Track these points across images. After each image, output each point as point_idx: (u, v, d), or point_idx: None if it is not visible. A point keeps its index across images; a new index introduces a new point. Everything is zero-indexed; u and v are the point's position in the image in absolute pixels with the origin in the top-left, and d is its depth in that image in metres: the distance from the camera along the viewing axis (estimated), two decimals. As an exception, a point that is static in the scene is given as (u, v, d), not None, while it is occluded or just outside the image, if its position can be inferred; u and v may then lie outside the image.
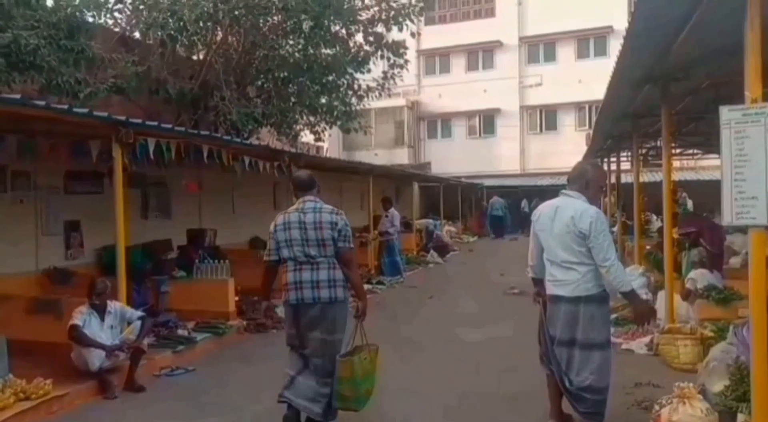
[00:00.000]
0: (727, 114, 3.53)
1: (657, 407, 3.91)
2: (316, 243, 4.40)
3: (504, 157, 28.62)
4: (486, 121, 29.84)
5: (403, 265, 13.57)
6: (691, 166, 22.37)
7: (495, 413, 4.90)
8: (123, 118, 5.98)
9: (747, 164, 3.47)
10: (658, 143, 13.65)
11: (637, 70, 6.00)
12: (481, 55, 29.89)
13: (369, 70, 13.17)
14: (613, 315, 7.62)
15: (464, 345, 7.22)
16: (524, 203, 25.60)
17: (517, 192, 26.01)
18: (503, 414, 4.89)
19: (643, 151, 14.10)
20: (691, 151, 16.02)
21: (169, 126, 6.68)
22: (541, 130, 29.07)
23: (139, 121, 6.21)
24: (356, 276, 4.65)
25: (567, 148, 24.47)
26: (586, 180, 4.33)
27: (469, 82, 29.12)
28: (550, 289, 4.33)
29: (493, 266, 14.91)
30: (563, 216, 4.21)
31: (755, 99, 3.45)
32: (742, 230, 10.57)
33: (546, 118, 29.00)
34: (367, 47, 12.75)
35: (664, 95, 6.51)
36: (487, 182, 27.41)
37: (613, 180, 15.29)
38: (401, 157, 28.66)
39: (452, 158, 28.66)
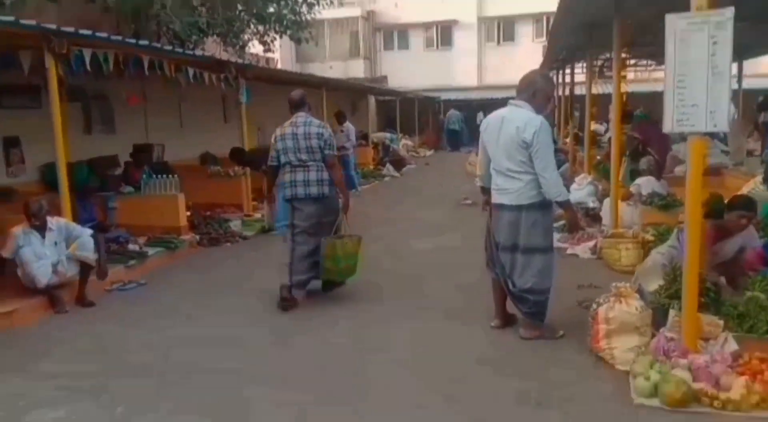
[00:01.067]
0: (673, 22, 3.53)
1: (595, 305, 4.11)
2: (306, 150, 5.36)
3: (461, 70, 28.26)
4: (443, 33, 29.19)
5: (358, 179, 13.59)
6: (645, 78, 22.57)
7: (448, 315, 5.10)
8: (54, 26, 5.61)
9: (689, 72, 3.51)
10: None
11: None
12: (439, -38, 28.82)
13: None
14: (561, 222, 7.90)
15: (417, 253, 7.40)
16: (480, 116, 25.60)
17: (473, 105, 25.93)
18: (456, 313, 5.10)
19: (599, 62, 14.07)
20: (645, 62, 16.09)
21: (105, 35, 6.30)
22: (498, 41, 28.65)
23: (72, 29, 5.84)
24: (339, 176, 5.58)
25: (524, 61, 24.12)
26: (534, 90, 4.36)
27: (425, -9, 28.22)
28: (495, 198, 4.46)
29: (448, 179, 15.08)
30: (509, 126, 4.27)
31: (700, 6, 3.44)
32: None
33: (504, 29, 28.52)
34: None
35: (617, 4, 6.44)
36: (444, 96, 27.18)
37: (567, 92, 15.35)
38: (357, 69, 28.01)
39: (409, 71, 28.15)
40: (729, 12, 3.40)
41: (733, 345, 3.68)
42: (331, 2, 13.11)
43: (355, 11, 28.24)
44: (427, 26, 29.05)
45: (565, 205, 4.44)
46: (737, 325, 3.84)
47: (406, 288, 5.98)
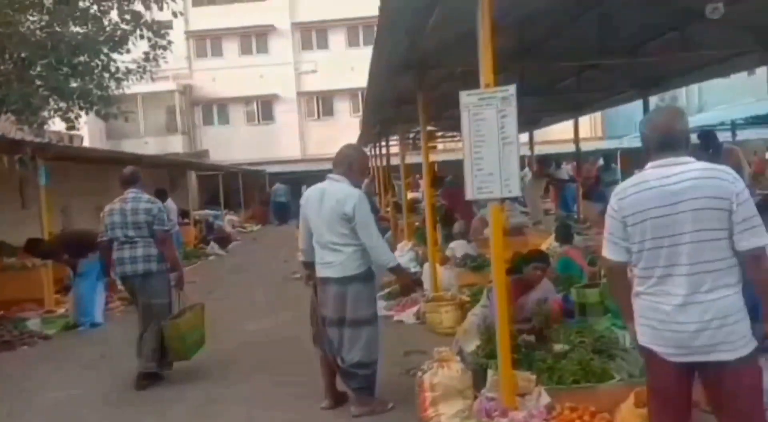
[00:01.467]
0: (465, 98, 3.83)
1: (420, 373, 4.15)
2: (133, 226, 5.40)
3: (285, 143, 28.62)
4: (264, 107, 29.53)
5: (180, 260, 12.82)
6: (453, 148, 24.54)
7: (278, 398, 4.84)
8: None
9: (484, 143, 3.80)
10: (427, 127, 14.69)
11: (393, 57, 6.28)
12: (254, 39, 29.44)
13: (128, 51, 12.12)
14: (386, 290, 8.04)
15: (245, 334, 7.05)
16: (304, 188, 25.80)
17: (299, 178, 26.20)
18: (284, 397, 4.85)
19: (412, 134, 15.02)
20: (452, 134, 17.48)
21: None
22: (319, 116, 29.59)
23: None
24: (170, 252, 5.64)
25: (344, 134, 25.12)
26: (349, 163, 4.47)
27: (245, 67, 28.53)
28: (320, 272, 4.42)
29: (277, 253, 14.84)
30: (329, 199, 4.31)
31: (488, 84, 3.78)
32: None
33: (323, 104, 29.58)
34: (124, 26, 11.70)
35: (420, 82, 6.93)
36: (270, 169, 27.20)
37: (385, 163, 16.10)
38: (176, 144, 27.14)
39: (232, 145, 27.90)
40: (512, 88, 3.77)
41: (546, 399, 3.86)
42: (142, 77, 12.60)
43: (170, 85, 27.58)
44: (247, 101, 29.23)
45: (397, 269, 4.61)
46: (548, 378, 4.06)
47: (233, 371, 5.67)
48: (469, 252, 7.79)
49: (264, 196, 27.18)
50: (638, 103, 10.61)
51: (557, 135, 20.69)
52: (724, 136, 12.69)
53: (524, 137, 17.00)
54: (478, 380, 4.17)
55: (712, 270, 2.44)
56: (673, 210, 2.46)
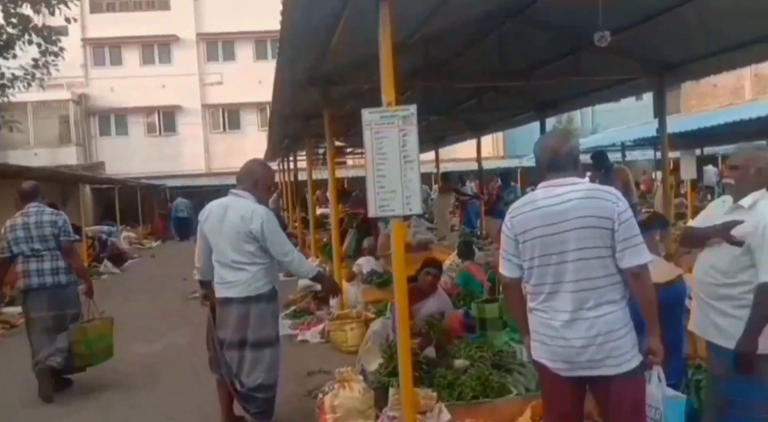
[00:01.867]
0: (367, 116, 3.81)
1: (321, 395, 4.06)
2: (39, 239, 5.35)
3: (188, 156, 27.70)
4: (166, 119, 28.50)
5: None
6: (362, 163, 24.67)
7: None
8: None
9: (386, 161, 3.79)
10: (336, 142, 14.65)
11: (297, 72, 6.22)
12: (156, 48, 28.43)
13: (15, 56, 11.32)
14: (291, 308, 7.89)
15: (138, 357, 6.65)
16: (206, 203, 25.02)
17: (202, 192, 25.38)
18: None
19: (321, 150, 14.92)
20: (360, 150, 17.56)
21: None
22: (224, 128, 28.90)
23: None
24: (77, 262, 5.73)
25: (251, 148, 24.71)
26: (255, 179, 4.32)
27: (146, 77, 27.43)
28: (220, 292, 4.22)
29: (176, 271, 14.20)
30: (233, 215, 4.13)
31: (390, 102, 3.79)
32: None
33: (229, 117, 28.93)
34: (10, 30, 10.93)
35: (325, 97, 6.90)
36: (171, 182, 26.17)
37: (293, 178, 15.91)
38: (69, 156, 25.55)
39: (131, 157, 26.65)
40: (413, 108, 3.80)
41: (446, 416, 3.89)
42: (29, 84, 11.80)
43: (64, 94, 26.04)
44: (148, 111, 28.10)
45: (318, 276, 4.57)
46: (448, 394, 4.09)
47: (118, 397, 5.35)
48: (375, 269, 7.79)
49: (164, 210, 26.04)
50: (536, 124, 11.12)
51: (462, 153, 21.32)
52: (614, 157, 13.52)
53: (431, 155, 17.39)
54: (380, 399, 4.13)
55: (596, 287, 2.53)
56: (558, 229, 2.54)
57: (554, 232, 2.56)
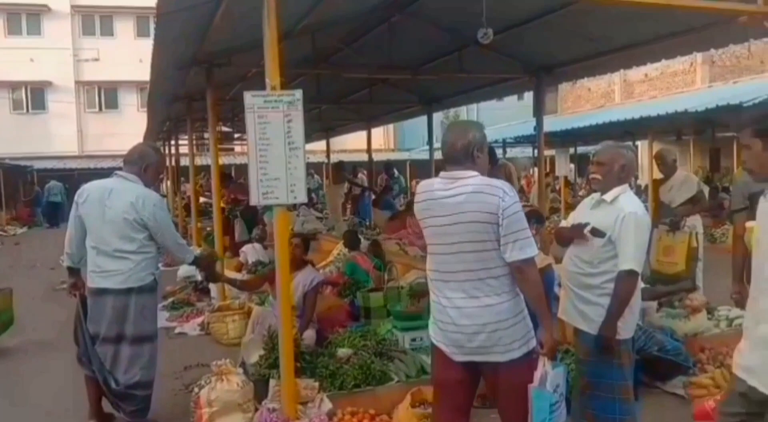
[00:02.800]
0: (250, 99, 3.67)
1: (197, 389, 3.90)
2: None
3: (59, 136, 25.73)
4: (35, 95, 26.31)
5: None
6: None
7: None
8: None
9: (269, 147, 3.68)
10: (223, 128, 14.13)
11: (179, 50, 5.91)
12: (25, 17, 26.06)
13: None
14: (169, 299, 7.54)
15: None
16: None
17: (74, 176, 23.65)
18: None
19: (208, 134, 14.31)
20: (247, 137, 17.07)
21: None
22: (100, 108, 27.10)
23: None
24: None
25: (130, 129, 23.29)
26: (147, 164, 4.03)
27: (12, 49, 25.07)
28: (95, 281, 3.90)
29: (44, 259, 13.16)
30: (119, 200, 3.83)
31: (274, 86, 3.68)
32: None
33: (106, 96, 27.15)
34: None
35: (209, 79, 6.61)
36: (39, 164, 24.17)
37: (174, 163, 15.21)
38: None
39: (-7, 136, 24.35)
40: (298, 93, 3.71)
41: (327, 405, 3.86)
42: None
43: None
44: (14, 86, 25.77)
45: (196, 260, 4.37)
46: (330, 384, 4.07)
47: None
48: (261, 259, 7.61)
49: (31, 194, 23.98)
50: (425, 118, 11.36)
51: (353, 144, 21.39)
52: (498, 153, 14.10)
53: (322, 145, 17.29)
54: (261, 391, 4.04)
55: (485, 278, 2.60)
56: (451, 220, 2.60)
57: (447, 223, 2.62)
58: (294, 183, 3.70)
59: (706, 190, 6.87)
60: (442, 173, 2.75)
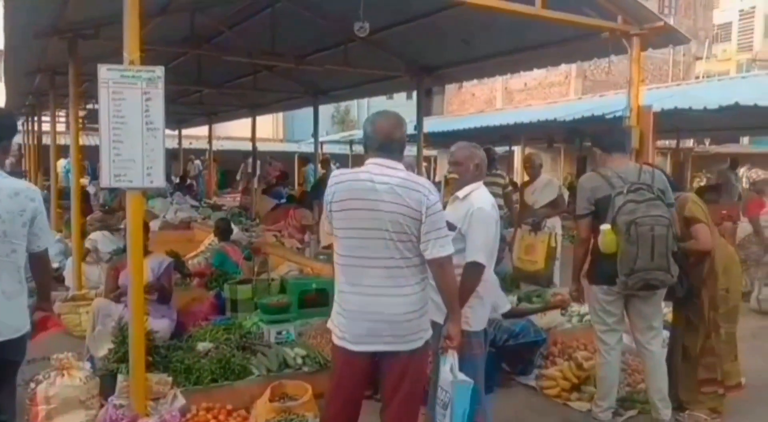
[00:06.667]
0: (105, 73, 3.41)
1: (33, 384, 3.58)
2: None
3: None
4: None
5: None
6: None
7: None
8: None
9: (124, 126, 3.44)
10: (95, 106, 13.14)
11: (36, 17, 5.42)
12: None
13: None
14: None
15: None
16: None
17: None
18: None
19: (84, 112, 13.32)
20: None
21: None
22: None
23: None
24: None
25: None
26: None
27: None
28: None
29: None
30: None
31: (133, 61, 3.44)
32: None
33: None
34: None
35: (72, 51, 6.10)
36: None
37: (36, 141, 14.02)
38: None
39: None
40: (159, 70, 3.48)
41: (180, 401, 3.69)
42: None
43: None
44: None
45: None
46: (185, 379, 3.88)
47: None
48: (119, 245, 7.13)
49: None
50: (312, 111, 11.25)
51: (239, 132, 20.79)
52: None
53: (204, 130, 16.66)
54: (107, 387, 3.78)
55: (399, 267, 2.61)
56: (373, 206, 2.59)
57: (368, 208, 2.59)
58: (151, 165, 3.48)
59: (566, 193, 7.30)
60: (369, 161, 2.70)
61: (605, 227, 3.66)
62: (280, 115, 26.05)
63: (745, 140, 21.22)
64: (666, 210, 3.60)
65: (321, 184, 11.55)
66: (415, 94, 10.12)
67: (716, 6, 28.25)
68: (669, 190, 3.77)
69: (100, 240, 6.81)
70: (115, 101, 3.41)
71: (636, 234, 3.52)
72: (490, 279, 3.25)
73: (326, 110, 24.90)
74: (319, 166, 12.06)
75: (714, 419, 3.98)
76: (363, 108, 29.76)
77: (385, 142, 2.69)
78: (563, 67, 19.11)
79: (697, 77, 22.08)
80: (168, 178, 13.40)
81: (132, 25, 3.38)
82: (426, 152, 17.50)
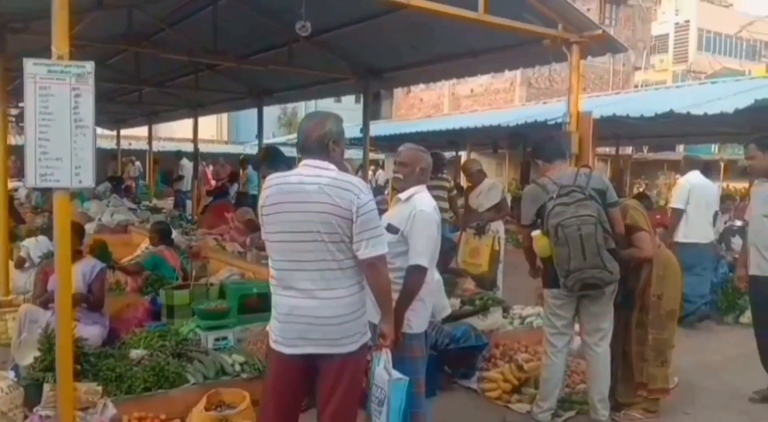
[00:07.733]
0: (31, 67, 3.24)
1: (-51, 397, 3.36)
2: None
3: None
4: None
5: None
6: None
7: None
8: None
9: (52, 123, 3.28)
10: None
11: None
12: None
13: None
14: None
15: None
16: None
17: None
18: None
19: (17, 110, 12.71)
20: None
21: None
22: None
23: None
24: None
25: None
26: None
27: None
28: None
29: None
30: None
31: (61, 55, 3.28)
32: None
33: None
34: None
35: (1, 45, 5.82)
36: None
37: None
38: None
39: None
40: (89, 65, 3.34)
41: (111, 411, 3.54)
42: None
43: None
44: None
45: None
46: (116, 388, 3.72)
47: None
48: (51, 248, 6.82)
49: None
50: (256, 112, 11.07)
51: (181, 133, 20.31)
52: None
53: (144, 130, 16.18)
54: (33, 397, 3.59)
55: (333, 269, 2.56)
56: (303, 208, 2.54)
57: (299, 210, 2.55)
58: (79, 165, 3.32)
59: (509, 198, 7.41)
60: (302, 162, 2.67)
61: (535, 233, 3.76)
62: (225, 115, 25.60)
63: (680, 148, 22.14)
64: (595, 209, 3.66)
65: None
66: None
67: (654, 19, 29.44)
68: (610, 190, 3.85)
69: (32, 246, 6.46)
70: (42, 97, 3.24)
71: (564, 235, 3.60)
72: (432, 282, 3.23)
73: (272, 112, 24.63)
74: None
75: (648, 418, 4.09)
76: (311, 110, 29.56)
77: (306, 142, 2.67)
78: (508, 74, 19.60)
79: (636, 86, 22.90)
80: (108, 179, 12.93)
81: (61, 19, 3.23)
82: (373, 156, 17.52)
